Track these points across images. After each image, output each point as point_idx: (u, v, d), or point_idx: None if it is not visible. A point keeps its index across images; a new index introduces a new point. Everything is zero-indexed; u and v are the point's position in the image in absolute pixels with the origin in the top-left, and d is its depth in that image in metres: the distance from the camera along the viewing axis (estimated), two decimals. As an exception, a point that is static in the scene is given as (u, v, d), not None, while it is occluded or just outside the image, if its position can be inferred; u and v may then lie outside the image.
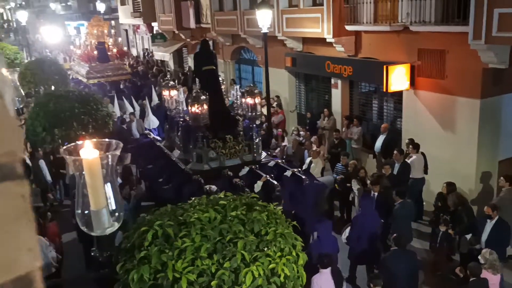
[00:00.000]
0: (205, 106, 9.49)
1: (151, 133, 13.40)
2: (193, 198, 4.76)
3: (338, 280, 6.91)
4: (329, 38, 13.17)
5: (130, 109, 16.26)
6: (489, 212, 7.88)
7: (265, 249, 4.10)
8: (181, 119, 10.65)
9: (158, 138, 12.80)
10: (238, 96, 10.75)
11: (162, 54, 27.13)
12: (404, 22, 11.10)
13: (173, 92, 10.82)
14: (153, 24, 27.38)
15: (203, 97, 9.45)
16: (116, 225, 2.46)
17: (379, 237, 8.47)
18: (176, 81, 13.01)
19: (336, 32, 12.97)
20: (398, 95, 12.07)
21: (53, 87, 15.64)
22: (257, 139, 10.22)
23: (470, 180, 10.35)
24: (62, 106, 10.57)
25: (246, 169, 9.62)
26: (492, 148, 10.44)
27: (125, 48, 30.64)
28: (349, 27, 12.73)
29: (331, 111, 14.52)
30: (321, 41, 13.62)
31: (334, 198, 10.86)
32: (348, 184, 10.28)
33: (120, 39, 30.69)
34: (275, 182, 8.84)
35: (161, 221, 4.18)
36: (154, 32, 27.58)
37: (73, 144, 2.31)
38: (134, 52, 34.55)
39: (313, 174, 10.39)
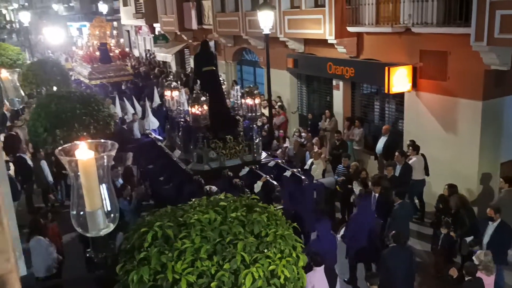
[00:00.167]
0: (205, 107, 9.51)
1: (152, 133, 13.42)
2: (193, 199, 4.75)
3: (331, 278, 6.90)
4: (331, 39, 13.16)
5: (132, 110, 16.28)
6: (491, 214, 7.81)
7: (265, 250, 4.09)
8: (182, 120, 10.66)
9: (160, 137, 12.81)
10: (239, 97, 10.76)
11: (164, 55, 27.18)
12: (406, 23, 11.08)
13: (175, 93, 10.83)
14: (155, 25, 27.40)
15: (203, 98, 9.48)
16: (112, 226, 2.45)
17: (377, 236, 8.49)
18: (178, 82, 13.00)
19: (338, 33, 12.95)
20: (400, 96, 12.05)
21: (55, 88, 15.65)
22: (257, 139, 10.23)
23: (472, 182, 10.32)
24: (63, 107, 10.56)
25: (246, 169, 9.66)
26: (494, 150, 10.40)
27: (127, 49, 30.64)
28: (351, 29, 12.73)
29: (332, 113, 14.51)
30: (323, 42, 13.61)
31: (335, 199, 10.86)
32: (349, 186, 10.29)
33: (122, 40, 30.71)
34: (275, 182, 8.85)
35: (161, 222, 4.17)
36: (156, 33, 27.59)
37: (68, 144, 2.30)
38: (136, 53, 34.59)
39: (314, 176, 10.39)
